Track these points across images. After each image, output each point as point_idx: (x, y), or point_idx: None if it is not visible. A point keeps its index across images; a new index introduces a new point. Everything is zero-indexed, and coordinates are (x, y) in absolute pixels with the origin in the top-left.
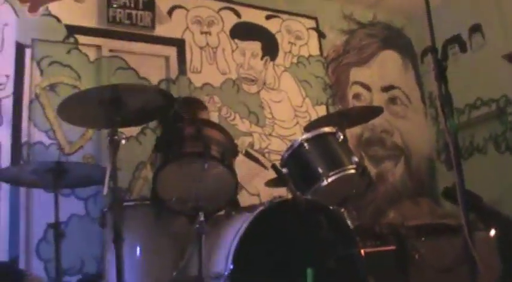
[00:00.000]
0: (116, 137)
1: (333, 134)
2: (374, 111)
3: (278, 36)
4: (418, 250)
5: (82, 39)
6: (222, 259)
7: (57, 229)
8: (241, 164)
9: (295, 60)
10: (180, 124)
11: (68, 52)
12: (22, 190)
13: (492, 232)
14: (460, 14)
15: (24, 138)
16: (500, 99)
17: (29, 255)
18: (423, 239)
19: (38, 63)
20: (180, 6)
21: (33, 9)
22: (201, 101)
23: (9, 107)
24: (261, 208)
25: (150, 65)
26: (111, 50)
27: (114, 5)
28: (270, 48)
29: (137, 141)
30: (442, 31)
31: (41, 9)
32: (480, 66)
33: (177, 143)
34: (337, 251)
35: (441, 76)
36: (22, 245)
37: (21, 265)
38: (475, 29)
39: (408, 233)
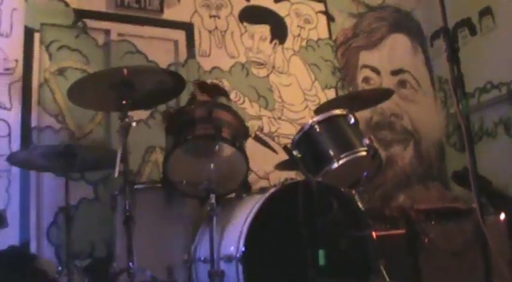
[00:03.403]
0: (127, 120)
1: (344, 116)
2: (384, 94)
3: (287, 20)
4: (428, 234)
5: (90, 23)
6: (234, 241)
7: (67, 213)
8: (250, 147)
9: (304, 43)
10: (192, 106)
11: (77, 36)
12: (32, 174)
13: (502, 216)
14: None
15: (33, 123)
16: (511, 83)
17: (40, 240)
18: (433, 222)
19: (47, 48)
20: None
21: None
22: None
23: (18, 91)
24: (272, 190)
25: (158, 49)
26: (119, 34)
27: None
28: (279, 31)
29: (146, 125)
30: (451, 15)
31: None
32: (490, 49)
33: (188, 125)
34: (349, 232)
35: (453, 57)
36: (33, 230)
37: (32, 249)
38: (485, 12)
39: (418, 217)
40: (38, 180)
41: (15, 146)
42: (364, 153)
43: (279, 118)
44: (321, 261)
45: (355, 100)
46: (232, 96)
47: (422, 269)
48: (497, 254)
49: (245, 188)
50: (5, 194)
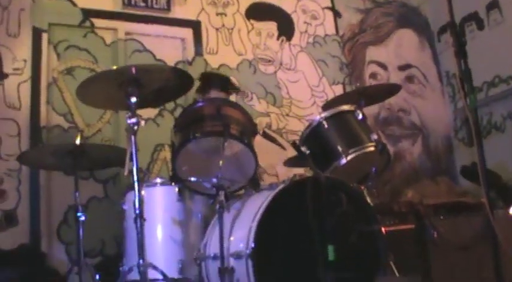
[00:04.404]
0: (135, 118)
1: (352, 112)
2: (391, 89)
3: (294, 16)
4: (437, 228)
5: (98, 22)
6: (243, 237)
7: (77, 212)
8: (259, 144)
9: (311, 40)
10: (200, 104)
11: (84, 36)
12: (42, 173)
13: (511, 210)
14: None
15: (43, 122)
16: None
17: (50, 238)
18: (442, 217)
19: (55, 48)
20: None
21: None
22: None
23: (27, 91)
24: (281, 186)
25: (166, 47)
26: (127, 33)
27: None
28: (286, 28)
29: (155, 123)
30: (458, 9)
31: None
32: (498, 43)
33: (196, 122)
34: (358, 228)
35: (460, 51)
36: (43, 228)
37: (43, 248)
38: (493, 5)
39: (427, 212)
40: (48, 179)
41: (25, 145)
42: (372, 148)
43: (287, 115)
44: (331, 256)
45: (363, 96)
46: (240, 93)
47: (431, 263)
48: (507, 248)
49: (254, 185)
50: (16, 193)
